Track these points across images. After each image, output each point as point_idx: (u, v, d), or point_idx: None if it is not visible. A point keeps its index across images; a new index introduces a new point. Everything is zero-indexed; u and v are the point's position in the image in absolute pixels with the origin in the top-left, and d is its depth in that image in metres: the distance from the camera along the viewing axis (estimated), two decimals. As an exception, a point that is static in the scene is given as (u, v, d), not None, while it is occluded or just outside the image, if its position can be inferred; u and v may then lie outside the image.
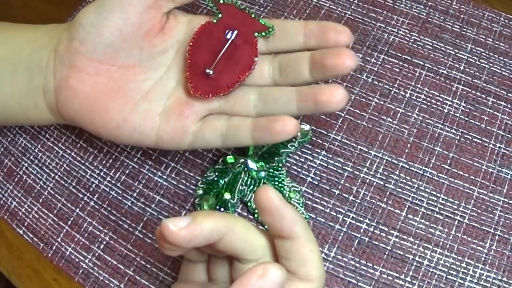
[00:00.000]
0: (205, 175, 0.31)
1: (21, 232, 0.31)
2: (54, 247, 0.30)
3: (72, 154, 0.33)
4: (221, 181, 0.30)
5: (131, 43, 0.26)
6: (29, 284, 0.30)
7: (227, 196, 0.30)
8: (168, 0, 0.26)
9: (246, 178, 0.30)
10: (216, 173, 0.31)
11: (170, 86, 0.27)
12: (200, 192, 0.30)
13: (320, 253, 0.24)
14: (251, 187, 0.30)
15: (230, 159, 0.30)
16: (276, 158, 0.31)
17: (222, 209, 0.29)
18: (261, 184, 0.30)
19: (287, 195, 0.30)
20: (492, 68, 0.34)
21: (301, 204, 0.30)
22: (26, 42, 0.28)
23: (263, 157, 0.31)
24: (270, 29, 0.26)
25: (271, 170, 0.30)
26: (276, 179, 0.30)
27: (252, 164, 0.30)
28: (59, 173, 0.32)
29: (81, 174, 0.32)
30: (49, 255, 0.30)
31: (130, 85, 0.27)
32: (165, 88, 0.27)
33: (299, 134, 0.31)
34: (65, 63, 0.26)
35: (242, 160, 0.30)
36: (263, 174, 0.30)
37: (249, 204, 0.30)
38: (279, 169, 0.31)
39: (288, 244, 0.21)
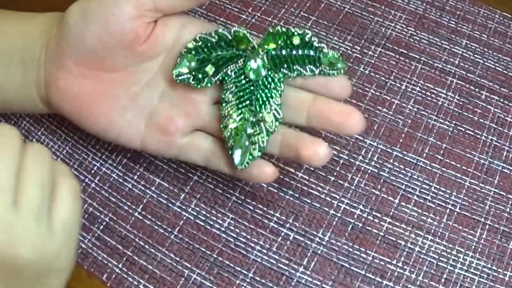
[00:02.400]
0: (211, 32, 0.25)
1: (22, 212, 0.32)
2: (54, 228, 0.31)
3: (75, 137, 0.34)
4: (218, 51, 0.25)
5: (113, 51, 0.25)
6: (28, 263, 0.31)
7: (209, 70, 0.25)
8: (155, 11, 0.25)
9: (238, 68, 0.26)
10: (220, 39, 0.25)
11: (156, 95, 0.27)
12: (191, 45, 0.25)
13: None
14: (239, 79, 0.26)
15: (241, 36, 0.25)
16: (285, 71, 0.25)
17: (193, 80, 0.25)
18: (248, 85, 0.25)
19: (261, 115, 0.25)
20: (486, 63, 0.35)
21: (268, 136, 0.25)
22: (19, 34, 0.28)
23: (274, 59, 0.25)
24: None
25: (270, 79, 0.25)
26: (267, 91, 0.25)
27: (254, 64, 0.25)
28: (61, 156, 0.33)
29: (83, 157, 0.33)
30: (49, 235, 0.31)
31: (117, 89, 0.26)
32: (152, 95, 0.27)
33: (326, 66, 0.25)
34: (54, 62, 0.26)
35: (251, 47, 0.25)
36: (261, 73, 0.25)
37: (223, 94, 0.26)
38: (279, 83, 0.25)
39: None
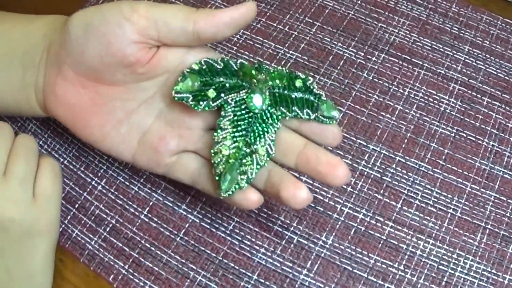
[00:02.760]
0: (217, 59, 0.26)
1: (29, 214, 0.33)
2: (61, 229, 0.32)
3: (81, 140, 0.35)
4: (221, 78, 0.26)
5: (112, 68, 0.25)
6: (36, 264, 0.31)
7: (210, 94, 0.25)
8: (158, 41, 0.25)
9: (239, 98, 0.26)
10: (225, 67, 0.26)
11: (153, 113, 0.27)
12: (196, 67, 0.25)
13: None
14: (238, 109, 0.26)
15: (249, 69, 0.26)
16: (284, 109, 0.26)
17: (192, 101, 0.25)
18: (247, 116, 0.26)
19: (255, 147, 0.26)
20: (488, 69, 0.36)
21: (257, 169, 0.26)
22: (21, 37, 0.28)
23: (276, 96, 0.26)
24: None
25: (269, 114, 0.26)
26: (264, 125, 0.26)
27: (257, 96, 0.26)
28: (68, 158, 0.34)
29: (89, 160, 0.34)
30: (56, 236, 0.32)
31: (114, 103, 0.27)
32: (148, 113, 0.27)
33: (322, 112, 0.26)
34: (53, 68, 0.27)
35: (257, 80, 0.26)
36: (263, 106, 0.26)
37: (219, 121, 0.26)
38: (276, 120, 0.26)
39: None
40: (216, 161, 0.26)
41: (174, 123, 0.27)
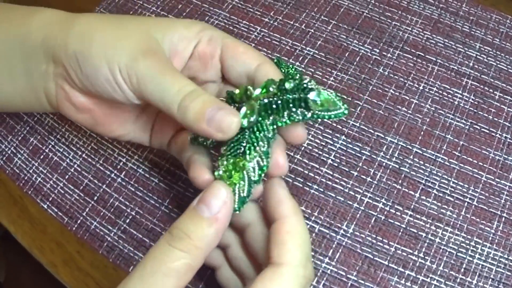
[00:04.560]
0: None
1: (45, 206, 0.35)
2: (78, 221, 0.34)
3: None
4: None
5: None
6: (51, 256, 0.33)
7: None
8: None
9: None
10: (229, 98, 0.27)
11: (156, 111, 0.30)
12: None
13: (307, 242, 0.23)
14: None
15: (236, 95, 0.26)
16: (275, 116, 0.25)
17: (195, 141, 0.29)
18: (238, 134, 0.26)
19: (242, 163, 0.25)
20: (499, 65, 0.40)
21: (249, 185, 0.25)
22: (18, 40, 0.28)
23: (266, 105, 0.25)
24: None
25: (260, 126, 0.25)
26: (253, 137, 0.25)
27: (242, 110, 0.25)
28: (86, 151, 0.36)
29: (108, 153, 0.36)
30: (73, 228, 0.34)
31: (124, 113, 0.29)
32: (153, 111, 0.30)
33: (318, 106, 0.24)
34: (65, 81, 0.27)
35: (247, 96, 0.26)
36: (251, 119, 0.25)
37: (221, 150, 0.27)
38: (268, 129, 0.25)
39: (273, 225, 0.24)
40: None
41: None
